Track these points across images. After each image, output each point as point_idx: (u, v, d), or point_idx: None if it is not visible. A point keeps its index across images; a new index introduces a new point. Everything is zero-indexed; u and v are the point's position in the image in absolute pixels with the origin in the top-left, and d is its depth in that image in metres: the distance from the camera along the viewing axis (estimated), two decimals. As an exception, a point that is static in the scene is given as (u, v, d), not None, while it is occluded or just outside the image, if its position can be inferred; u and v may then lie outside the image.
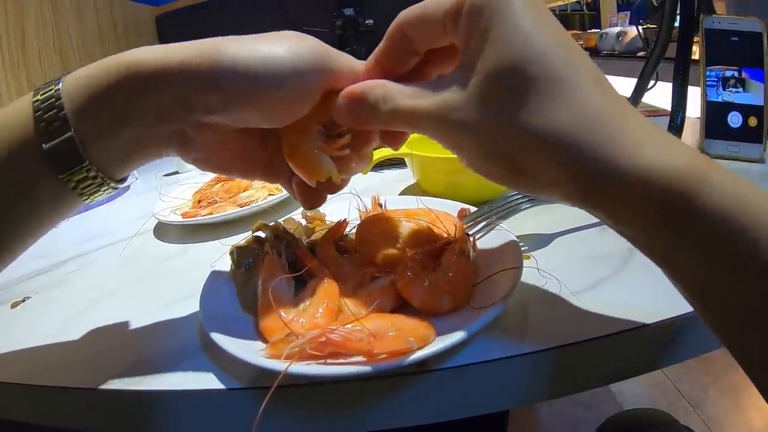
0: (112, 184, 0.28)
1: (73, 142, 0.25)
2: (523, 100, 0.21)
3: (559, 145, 0.21)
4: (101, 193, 0.29)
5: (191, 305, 0.37)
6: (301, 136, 0.29)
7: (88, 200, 0.29)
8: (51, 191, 0.27)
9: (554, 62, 0.21)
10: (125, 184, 0.31)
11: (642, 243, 0.23)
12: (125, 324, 0.37)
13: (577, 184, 0.21)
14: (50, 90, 0.26)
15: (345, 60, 0.28)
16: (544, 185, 0.23)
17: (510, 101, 0.21)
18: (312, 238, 0.40)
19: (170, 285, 0.44)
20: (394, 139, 0.31)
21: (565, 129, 0.21)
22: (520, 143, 0.22)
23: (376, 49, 0.28)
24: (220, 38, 0.27)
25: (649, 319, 0.29)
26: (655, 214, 0.20)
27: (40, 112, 0.25)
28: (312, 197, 0.33)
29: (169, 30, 1.61)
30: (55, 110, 0.25)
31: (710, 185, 0.20)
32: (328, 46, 0.28)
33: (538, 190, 0.24)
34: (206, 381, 0.29)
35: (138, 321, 0.37)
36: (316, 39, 0.28)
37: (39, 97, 0.26)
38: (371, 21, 1.32)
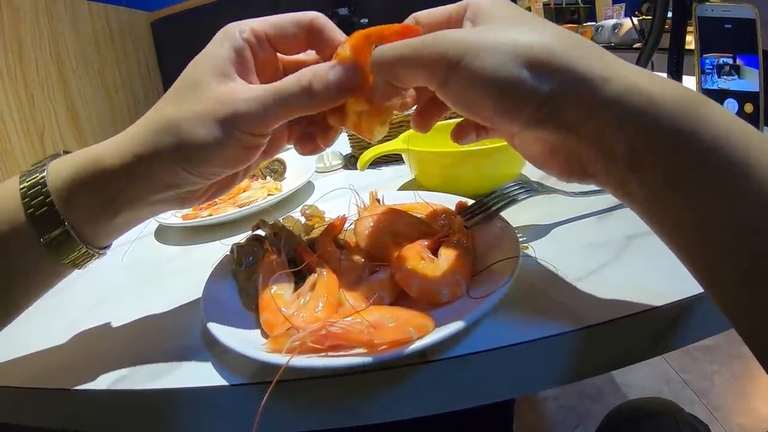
0: (101, 252, 0.31)
1: (66, 233, 0.28)
2: (513, 29, 0.24)
3: (551, 52, 0.23)
4: (91, 261, 0.31)
5: (194, 305, 0.37)
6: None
7: (80, 268, 0.31)
8: (46, 268, 0.30)
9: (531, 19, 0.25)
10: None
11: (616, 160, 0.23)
12: (129, 326, 0.38)
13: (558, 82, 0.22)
14: (35, 179, 0.28)
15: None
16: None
17: (498, 33, 0.24)
18: (311, 234, 0.40)
19: (172, 286, 0.44)
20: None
21: (553, 43, 0.23)
22: (515, 55, 0.23)
23: None
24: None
25: (650, 303, 0.29)
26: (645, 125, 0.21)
27: (27, 199, 0.27)
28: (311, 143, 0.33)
29: (164, 35, 1.62)
30: (42, 197, 0.27)
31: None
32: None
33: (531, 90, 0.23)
34: (210, 378, 0.29)
35: (141, 322, 0.38)
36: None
37: (25, 185, 0.28)
38: (366, 20, 1.33)
